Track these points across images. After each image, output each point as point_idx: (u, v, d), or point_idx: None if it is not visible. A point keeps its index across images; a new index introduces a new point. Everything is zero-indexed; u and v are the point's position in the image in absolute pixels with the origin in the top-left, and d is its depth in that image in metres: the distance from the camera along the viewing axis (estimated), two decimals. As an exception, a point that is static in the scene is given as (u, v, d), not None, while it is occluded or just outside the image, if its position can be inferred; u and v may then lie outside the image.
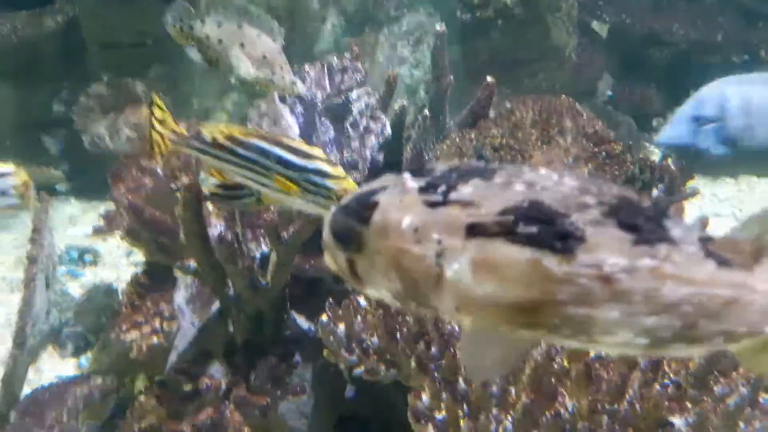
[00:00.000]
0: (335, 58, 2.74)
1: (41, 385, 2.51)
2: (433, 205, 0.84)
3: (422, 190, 0.85)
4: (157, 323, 2.50)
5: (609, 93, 6.56)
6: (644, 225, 0.82)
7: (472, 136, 2.87)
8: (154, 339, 2.47)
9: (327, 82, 2.71)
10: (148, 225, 2.16)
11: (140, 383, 2.47)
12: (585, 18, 6.34)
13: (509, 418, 1.84)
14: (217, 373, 2.43)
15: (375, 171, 2.56)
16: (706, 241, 0.84)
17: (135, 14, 5.81)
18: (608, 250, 0.80)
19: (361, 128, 2.56)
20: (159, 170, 2.39)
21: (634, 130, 6.06)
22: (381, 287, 0.90)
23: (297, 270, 2.45)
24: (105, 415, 2.39)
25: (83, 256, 4.79)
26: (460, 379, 1.97)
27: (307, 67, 2.75)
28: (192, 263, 2.37)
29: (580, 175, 0.90)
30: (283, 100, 2.76)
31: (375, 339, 2.18)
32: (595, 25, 6.72)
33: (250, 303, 2.37)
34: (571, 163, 2.60)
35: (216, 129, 1.73)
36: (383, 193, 0.87)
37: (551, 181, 0.85)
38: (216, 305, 2.61)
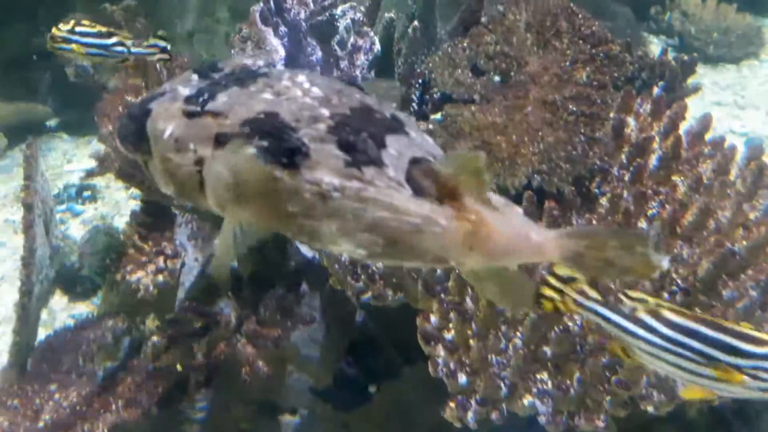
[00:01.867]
0: (316, -27, 2.58)
1: (53, 331, 2.54)
2: (191, 115, 0.92)
3: (187, 99, 0.93)
4: (161, 261, 2.49)
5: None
6: (361, 145, 0.89)
7: (465, 45, 2.75)
8: (160, 278, 2.46)
9: (310, -1, 2.58)
10: (139, 165, 2.10)
11: (151, 323, 2.49)
12: None
13: (518, 335, 1.86)
14: (226, 308, 2.44)
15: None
16: (415, 164, 0.90)
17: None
18: (326, 170, 0.88)
19: (349, 46, 2.45)
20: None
21: (632, 20, 5.85)
22: (163, 186, 0.99)
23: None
24: (119, 356, 2.42)
25: (81, 193, 4.76)
26: (468, 300, 1.98)
27: (287, -16, 2.60)
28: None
29: (332, 83, 0.96)
30: (265, 21, 2.63)
31: (380, 265, 2.17)
32: None
33: (253, 236, 2.35)
34: (569, 66, 2.51)
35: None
36: (157, 101, 0.94)
37: (300, 90, 0.92)
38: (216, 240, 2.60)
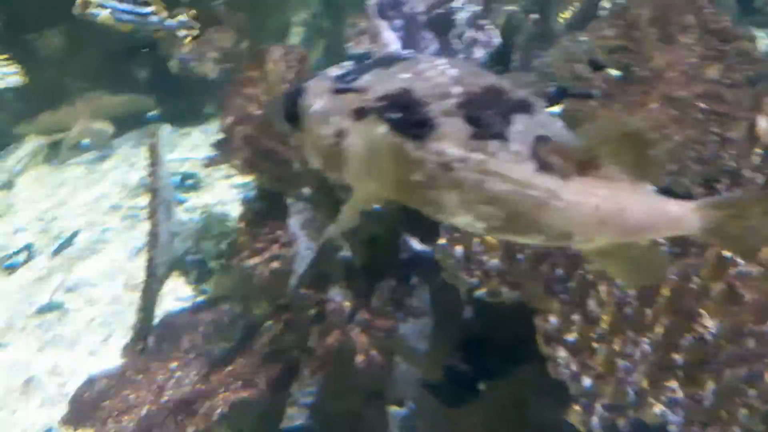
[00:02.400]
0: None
1: (172, 312, 2.66)
2: (336, 91, 1.00)
3: (336, 78, 1.01)
4: (275, 249, 2.55)
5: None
6: (487, 119, 0.91)
7: (584, 38, 2.68)
8: (274, 264, 2.53)
9: (427, -9, 2.57)
10: (264, 155, 2.17)
11: (265, 307, 2.56)
12: None
13: (646, 340, 1.80)
14: (337, 296, 2.48)
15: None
16: (541, 140, 0.91)
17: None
18: (451, 141, 0.91)
19: (467, 39, 2.43)
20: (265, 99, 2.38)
21: (736, 12, 5.53)
22: (312, 158, 1.06)
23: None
24: (235, 339, 2.51)
25: (184, 182, 4.94)
26: (591, 301, 1.93)
27: (405, -23, 2.61)
28: (306, 190, 2.39)
29: (469, 67, 0.99)
30: (381, 15, 2.65)
31: (495, 261, 2.15)
32: None
33: (365, 228, 2.38)
34: (697, 62, 2.40)
35: None
36: (312, 81, 1.03)
37: (436, 72, 0.96)
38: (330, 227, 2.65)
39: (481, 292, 2.17)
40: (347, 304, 2.34)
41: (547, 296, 1.99)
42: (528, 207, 0.92)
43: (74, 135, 5.99)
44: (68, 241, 4.56)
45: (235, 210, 4.35)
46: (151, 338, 2.53)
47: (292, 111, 1.06)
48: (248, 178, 4.03)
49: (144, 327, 2.52)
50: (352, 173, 1.01)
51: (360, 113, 0.98)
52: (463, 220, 0.98)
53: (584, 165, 0.91)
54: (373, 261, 2.43)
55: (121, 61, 6.09)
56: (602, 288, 1.96)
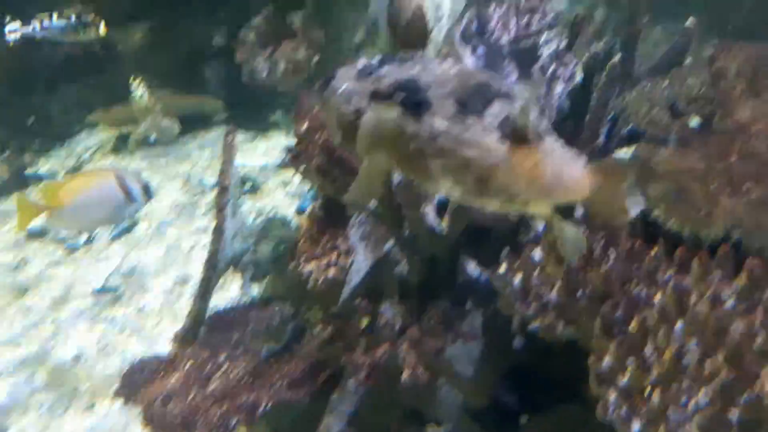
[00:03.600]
0: (523, -3, 2.60)
1: (225, 306, 2.71)
2: (360, 77, 1.20)
3: (362, 68, 1.22)
4: (334, 257, 2.59)
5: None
6: (471, 101, 1.13)
7: (665, 84, 2.66)
8: (331, 272, 2.56)
9: (513, 23, 2.60)
10: (338, 164, 2.21)
11: (316, 313, 2.59)
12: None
13: (703, 392, 1.76)
14: (388, 311, 2.50)
15: (561, 119, 2.45)
16: (508, 119, 1.12)
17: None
18: (440, 117, 1.12)
19: (549, 73, 2.44)
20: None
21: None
22: (333, 132, 1.25)
23: (471, 217, 2.43)
24: (283, 340, 2.54)
25: (243, 185, 5.04)
26: (649, 346, 1.90)
27: (492, 7, 2.65)
28: (372, 203, 2.42)
29: (471, 69, 1.22)
30: (465, 40, 2.68)
31: (554, 295, 2.14)
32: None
33: (426, 247, 2.40)
34: (782, 120, 2.36)
35: None
36: (342, 68, 1.25)
37: (441, 68, 1.18)
38: (388, 244, 2.67)
39: (535, 325, 2.16)
40: (399, 319, 2.35)
41: (603, 337, 1.96)
42: (490, 170, 1.13)
43: (143, 129, 6.19)
44: (127, 229, 4.70)
45: (290, 215, 4.42)
46: (203, 329, 2.58)
47: (325, 89, 1.27)
48: (309, 186, 4.10)
49: (198, 317, 2.58)
50: (362, 144, 1.20)
51: (375, 95, 1.19)
52: (445, 185, 1.18)
53: (522, 136, 1.13)
54: (429, 280, 2.44)
55: (195, 63, 6.29)
56: (661, 334, 1.92)
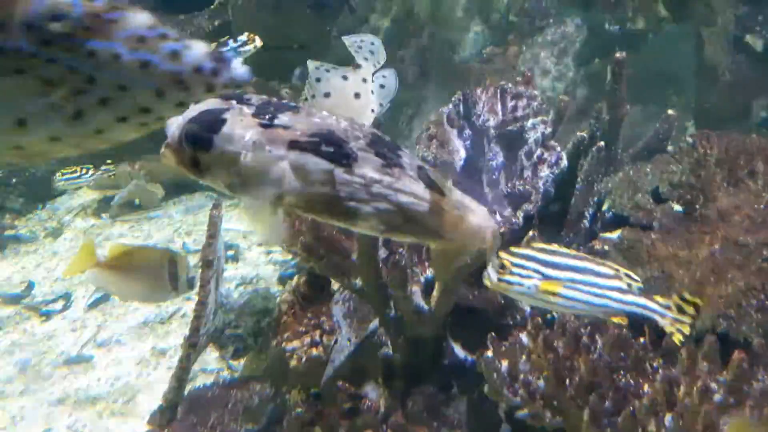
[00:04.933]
0: (508, 83, 2.67)
1: (203, 384, 2.63)
2: (264, 126, 1.22)
3: (254, 115, 1.23)
4: (317, 335, 2.54)
5: (764, 114, 6.08)
6: (388, 154, 1.26)
7: (648, 170, 2.72)
8: (314, 351, 2.51)
9: (499, 107, 2.65)
10: (324, 242, 2.20)
11: (296, 394, 2.52)
12: (740, 33, 5.88)
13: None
14: (372, 392, 2.44)
15: (547, 203, 2.47)
16: (420, 168, 1.29)
17: (284, 20, 6.01)
18: (369, 168, 1.24)
19: (535, 158, 2.48)
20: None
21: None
22: (218, 179, 1.26)
23: (458, 298, 2.42)
24: (262, 421, 2.46)
25: (226, 252, 4.98)
26: (638, 440, 1.86)
27: (478, 91, 2.70)
28: (358, 282, 2.40)
29: (347, 118, 1.30)
30: (452, 123, 2.73)
31: (541, 382, 2.11)
32: (749, 38, 6.24)
33: (412, 328, 2.37)
34: (763, 209, 2.40)
35: None
36: (227, 113, 1.23)
37: (334, 120, 1.28)
38: (373, 323, 2.63)
39: (523, 413, 2.12)
40: (382, 403, 2.30)
41: (592, 428, 1.92)
42: (420, 213, 1.28)
43: (126, 193, 6.16)
44: (105, 296, 4.60)
45: (272, 285, 4.36)
46: (180, 409, 2.50)
47: (208, 140, 1.23)
48: (289, 257, 4.06)
49: (175, 396, 2.50)
50: (275, 190, 1.23)
51: (293, 144, 1.22)
52: (370, 224, 1.27)
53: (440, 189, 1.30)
54: (414, 362, 2.40)
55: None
56: (651, 428, 1.89)
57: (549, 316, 2.41)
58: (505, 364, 2.19)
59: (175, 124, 1.25)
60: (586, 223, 2.66)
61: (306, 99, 2.01)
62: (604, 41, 5.86)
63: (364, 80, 2.08)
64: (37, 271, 5.24)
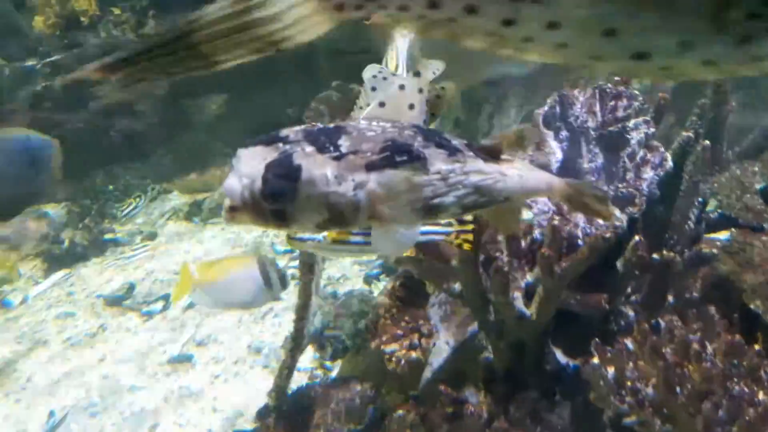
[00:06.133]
0: (607, 83, 2.62)
1: (306, 384, 2.71)
2: (337, 158, 1.21)
3: (319, 150, 1.22)
4: (415, 338, 2.57)
5: None
6: (446, 144, 1.28)
7: (756, 169, 2.61)
8: (413, 354, 2.54)
9: (598, 107, 2.61)
10: (424, 247, 2.23)
11: (396, 396, 2.56)
12: None
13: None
14: (472, 397, 2.45)
15: (651, 205, 2.42)
16: (472, 147, 1.32)
17: (364, 26, 6.08)
18: (439, 162, 1.26)
19: (638, 159, 2.43)
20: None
21: None
22: (306, 223, 1.24)
23: (560, 303, 2.39)
24: (364, 422, 2.51)
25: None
26: (759, 451, 1.80)
27: (576, 91, 2.67)
28: (457, 286, 2.41)
29: (390, 122, 1.31)
30: (547, 125, 2.70)
31: (650, 390, 2.07)
32: None
33: (513, 333, 2.36)
34: None
35: None
36: (295, 157, 1.22)
37: (381, 128, 1.27)
38: (472, 327, 2.64)
39: (631, 420, 2.08)
40: (485, 408, 2.30)
41: (707, 437, 1.87)
42: (490, 187, 1.33)
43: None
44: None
45: (358, 284, 4.43)
46: (284, 407, 2.58)
47: (289, 187, 1.21)
48: (374, 257, 4.10)
49: (279, 394, 2.58)
50: (372, 213, 1.24)
51: (370, 166, 1.22)
52: (449, 213, 1.30)
53: (498, 152, 1.36)
54: (515, 367, 2.40)
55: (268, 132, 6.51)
56: (771, 438, 1.83)
57: (654, 321, 2.36)
58: (611, 370, 2.16)
59: (238, 184, 1.23)
60: (690, 224, 2.58)
61: (360, 107, 2.03)
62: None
63: (420, 90, 2.06)
64: (137, 273, 5.52)
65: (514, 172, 1.38)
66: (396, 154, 1.24)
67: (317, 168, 1.21)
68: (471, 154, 1.33)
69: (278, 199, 1.22)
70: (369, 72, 2.02)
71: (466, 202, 1.31)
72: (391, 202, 1.24)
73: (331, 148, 1.23)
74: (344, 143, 1.24)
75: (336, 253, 2.06)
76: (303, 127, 1.34)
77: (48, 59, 7.14)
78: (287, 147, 1.24)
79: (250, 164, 1.24)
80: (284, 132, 1.28)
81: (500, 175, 1.35)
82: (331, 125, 1.30)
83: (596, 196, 1.44)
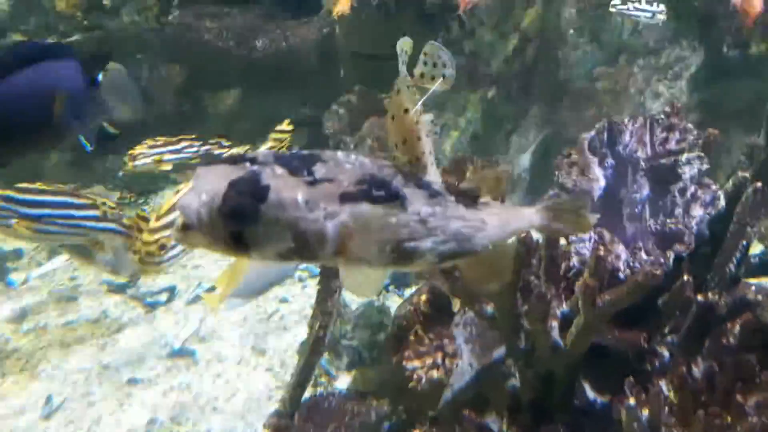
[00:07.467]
0: (661, 113, 2.54)
1: (320, 393, 2.61)
2: (310, 183, 1.13)
3: (291, 173, 1.14)
4: (439, 357, 2.49)
5: None
6: (427, 186, 1.22)
7: (806, 217, 2.53)
8: (435, 373, 2.45)
9: (648, 138, 2.53)
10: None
11: (413, 415, 2.47)
12: None
13: None
14: (493, 424, 2.36)
15: (698, 245, 2.33)
16: (451, 190, 1.27)
17: (391, 30, 6.01)
18: (419, 204, 1.20)
19: (688, 195, 2.35)
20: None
21: None
22: (268, 251, 1.14)
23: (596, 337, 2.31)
24: (379, 439, 2.42)
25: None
26: None
27: (626, 120, 2.59)
28: (489, 308, 2.32)
29: (368, 158, 1.23)
30: (593, 151, 2.63)
31: (680, 434, 1.98)
32: None
33: (543, 363, 2.27)
34: None
35: None
36: (263, 177, 1.12)
37: (359, 161, 1.20)
38: (498, 352, 2.55)
39: (665, 467, 1.99)
40: (508, 437, 2.21)
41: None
42: (471, 234, 1.27)
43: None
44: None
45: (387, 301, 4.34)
46: (297, 415, 2.49)
47: (252, 208, 1.11)
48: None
49: (293, 402, 2.49)
50: (339, 248, 1.16)
51: (345, 197, 1.14)
52: (426, 260, 1.23)
53: (475, 197, 1.32)
54: (543, 398, 2.30)
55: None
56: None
57: (691, 365, 2.27)
58: (645, 413, 2.07)
59: (195, 201, 1.11)
60: (731, 267, 2.50)
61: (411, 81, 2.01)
62: (722, 66, 5.58)
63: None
64: (143, 261, 5.42)
65: (494, 218, 1.32)
66: (374, 188, 1.16)
67: (287, 190, 1.11)
68: (452, 198, 1.26)
69: (238, 220, 1.10)
70: (434, 46, 2.09)
71: (443, 249, 1.22)
72: (363, 240, 1.15)
73: (305, 173, 1.14)
74: (319, 170, 1.15)
75: (37, 239, 2.43)
76: (274, 151, 1.26)
77: (67, 39, 7.07)
78: (255, 167, 1.13)
79: (212, 181, 1.11)
80: (253, 154, 1.18)
81: (481, 223, 1.29)
82: (306, 152, 1.20)
83: (573, 209, 1.42)
